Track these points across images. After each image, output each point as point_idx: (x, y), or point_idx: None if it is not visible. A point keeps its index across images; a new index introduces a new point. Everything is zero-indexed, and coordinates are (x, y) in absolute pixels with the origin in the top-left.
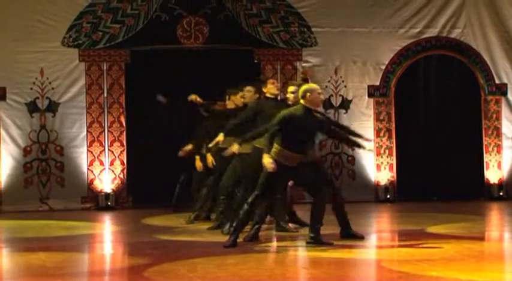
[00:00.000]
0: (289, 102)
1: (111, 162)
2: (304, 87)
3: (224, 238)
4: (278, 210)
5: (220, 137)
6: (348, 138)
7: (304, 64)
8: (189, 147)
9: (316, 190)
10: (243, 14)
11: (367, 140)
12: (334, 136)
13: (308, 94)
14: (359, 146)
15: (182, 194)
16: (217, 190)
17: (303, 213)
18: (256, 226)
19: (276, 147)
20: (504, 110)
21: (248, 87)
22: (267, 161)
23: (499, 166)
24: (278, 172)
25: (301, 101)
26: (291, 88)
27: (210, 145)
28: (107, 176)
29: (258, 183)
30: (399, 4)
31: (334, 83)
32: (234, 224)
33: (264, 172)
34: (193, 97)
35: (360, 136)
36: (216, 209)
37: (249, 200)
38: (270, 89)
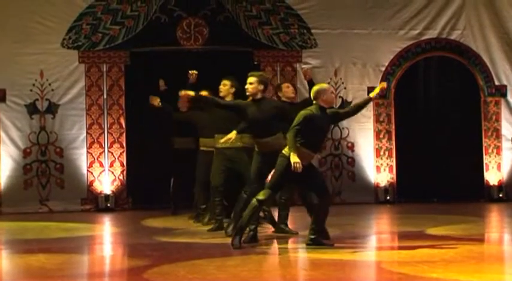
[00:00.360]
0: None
1: (110, 163)
2: (316, 88)
3: (225, 240)
4: (280, 211)
5: (233, 134)
6: (355, 106)
7: (303, 65)
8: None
9: (324, 192)
10: (243, 16)
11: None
12: (346, 116)
13: (322, 95)
14: (369, 99)
15: (178, 195)
16: (203, 189)
17: (303, 215)
18: (253, 227)
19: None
20: (504, 112)
21: (224, 81)
22: (295, 160)
23: (499, 167)
24: (292, 171)
25: (315, 101)
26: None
27: (222, 140)
28: (106, 178)
29: (271, 181)
30: (399, 6)
31: (334, 85)
32: (241, 223)
33: (279, 170)
34: (194, 72)
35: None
36: (212, 211)
37: (261, 197)
38: (286, 92)
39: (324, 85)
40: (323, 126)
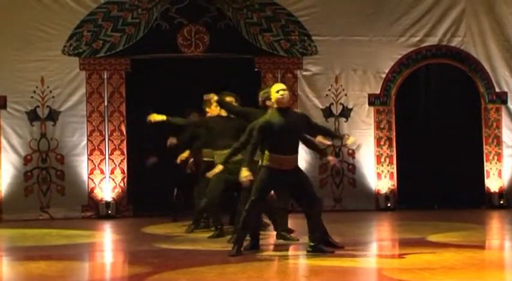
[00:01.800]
0: (283, 102)
1: (111, 170)
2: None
3: (225, 247)
4: (280, 219)
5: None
6: (327, 132)
7: (304, 72)
8: (186, 154)
9: (315, 198)
10: (244, 23)
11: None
12: (314, 132)
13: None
14: (339, 137)
15: (179, 204)
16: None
17: (303, 222)
18: (254, 234)
19: (266, 153)
20: (504, 119)
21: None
22: (244, 174)
23: (500, 174)
24: (273, 177)
25: (269, 104)
26: (283, 86)
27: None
28: (107, 185)
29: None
30: (399, 13)
31: (334, 92)
32: (237, 233)
33: (258, 178)
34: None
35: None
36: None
37: (246, 207)
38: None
39: (279, 86)
40: (285, 127)
